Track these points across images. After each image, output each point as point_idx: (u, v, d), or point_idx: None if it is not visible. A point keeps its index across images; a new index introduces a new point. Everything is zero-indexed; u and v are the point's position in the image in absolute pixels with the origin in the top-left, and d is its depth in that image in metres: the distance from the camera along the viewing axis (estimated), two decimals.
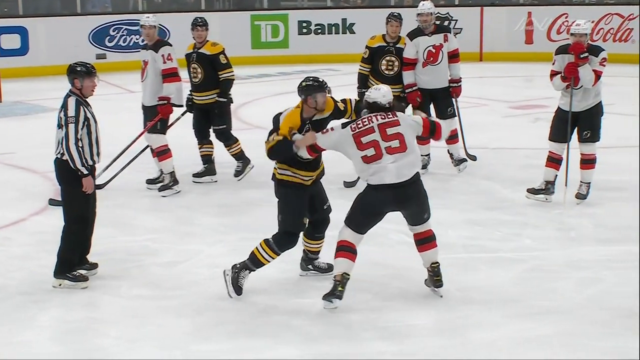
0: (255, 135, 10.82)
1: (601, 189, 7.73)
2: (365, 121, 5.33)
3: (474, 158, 8.76)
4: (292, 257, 5.94)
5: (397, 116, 5.35)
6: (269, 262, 5.61)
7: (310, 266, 5.94)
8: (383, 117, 5.33)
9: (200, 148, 8.55)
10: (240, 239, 6.71)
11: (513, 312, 5.30)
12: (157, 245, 6.64)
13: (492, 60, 17.08)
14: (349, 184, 8.02)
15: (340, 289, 5.24)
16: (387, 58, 8.51)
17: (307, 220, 5.61)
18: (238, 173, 8.52)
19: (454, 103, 8.53)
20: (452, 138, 8.51)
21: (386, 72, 8.51)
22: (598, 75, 7.31)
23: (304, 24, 17.39)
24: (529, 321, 5.18)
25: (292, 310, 5.39)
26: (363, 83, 8.58)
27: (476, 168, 8.67)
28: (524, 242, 6.65)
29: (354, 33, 17.05)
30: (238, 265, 5.60)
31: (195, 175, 8.51)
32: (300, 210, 5.58)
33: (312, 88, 5.46)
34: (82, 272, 5.85)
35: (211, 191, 8.19)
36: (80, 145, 5.62)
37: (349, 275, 5.28)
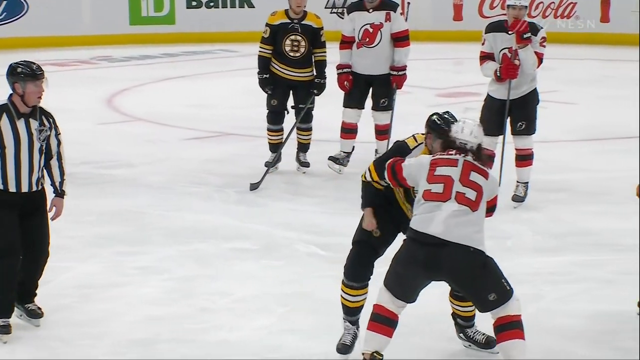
0: (135, 128, 10.71)
1: (540, 189, 7.89)
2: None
3: None
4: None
5: None
6: (353, 302, 5.13)
7: (462, 334, 5.30)
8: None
9: None
10: (118, 254, 6.65)
11: (438, 335, 5.35)
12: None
13: (416, 40, 17.18)
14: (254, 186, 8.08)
15: None
16: (292, 37, 8.49)
17: (378, 233, 5.21)
18: None
19: (392, 94, 8.46)
20: (383, 133, 8.53)
21: (291, 53, 8.49)
22: (540, 58, 7.42)
23: None
24: (457, 344, 5.23)
25: (176, 339, 5.32)
26: (264, 67, 8.54)
27: None
28: None
29: (253, 7, 17.06)
30: None
31: None
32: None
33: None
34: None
35: (89, 196, 8.02)
36: None
37: (381, 356, 4.85)
